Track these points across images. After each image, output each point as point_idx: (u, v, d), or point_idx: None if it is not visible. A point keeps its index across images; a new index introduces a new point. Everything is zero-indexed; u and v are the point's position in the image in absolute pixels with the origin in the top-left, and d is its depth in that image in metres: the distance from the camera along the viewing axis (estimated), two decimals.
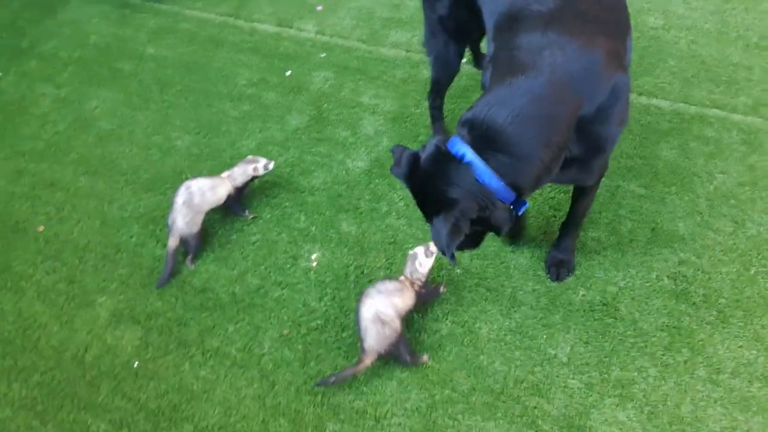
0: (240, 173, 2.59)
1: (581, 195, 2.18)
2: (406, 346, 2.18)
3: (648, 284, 2.30)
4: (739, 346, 2.15)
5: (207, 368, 2.31)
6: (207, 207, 2.53)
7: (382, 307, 2.14)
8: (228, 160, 2.83)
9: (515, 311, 2.30)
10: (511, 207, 1.82)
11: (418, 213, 2.53)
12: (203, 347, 2.36)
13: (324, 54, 3.15)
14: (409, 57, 3.07)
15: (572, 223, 2.27)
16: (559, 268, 2.33)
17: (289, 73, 3.10)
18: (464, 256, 2.44)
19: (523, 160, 1.72)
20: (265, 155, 2.81)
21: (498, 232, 1.87)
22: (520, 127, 1.70)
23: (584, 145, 1.81)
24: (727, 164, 2.55)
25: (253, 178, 2.61)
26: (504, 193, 1.75)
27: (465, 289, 2.36)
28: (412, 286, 2.22)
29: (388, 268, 2.44)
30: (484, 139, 1.72)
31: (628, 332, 2.21)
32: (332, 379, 2.19)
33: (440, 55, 2.42)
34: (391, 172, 1.88)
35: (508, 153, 1.71)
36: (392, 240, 2.51)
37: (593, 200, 2.22)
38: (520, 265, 2.40)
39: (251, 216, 2.65)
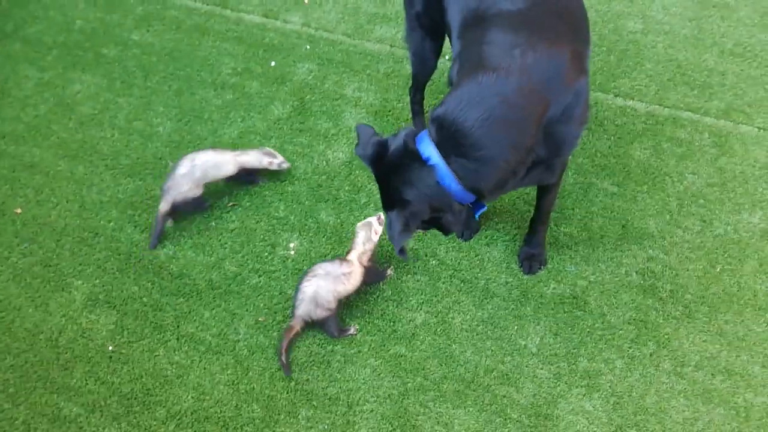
0: (254, 160, 2.62)
1: (545, 192, 2.23)
2: (336, 322, 2.28)
3: (617, 279, 2.36)
4: (704, 341, 2.21)
5: (181, 353, 2.33)
6: (206, 181, 2.57)
7: (323, 292, 2.23)
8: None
9: (488, 302, 2.34)
10: (470, 207, 1.88)
11: None
12: (178, 332, 2.38)
13: (309, 46, 3.17)
14: (393, 52, 3.10)
15: (539, 218, 2.32)
16: (531, 262, 2.38)
17: (273, 63, 3.12)
18: (440, 249, 2.48)
19: (488, 164, 1.75)
20: (246, 144, 2.84)
21: (445, 233, 1.94)
22: (489, 131, 1.72)
23: (549, 147, 1.85)
24: (697, 165, 2.62)
25: (263, 170, 2.65)
26: (463, 196, 1.80)
27: (440, 281, 2.40)
28: (361, 262, 2.29)
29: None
30: (452, 140, 1.75)
31: (597, 325, 2.27)
32: (282, 359, 2.24)
33: (417, 51, 2.46)
34: (355, 152, 1.93)
35: (474, 158, 1.75)
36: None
37: (557, 195, 2.27)
38: (494, 258, 2.45)
39: (231, 204, 2.67)
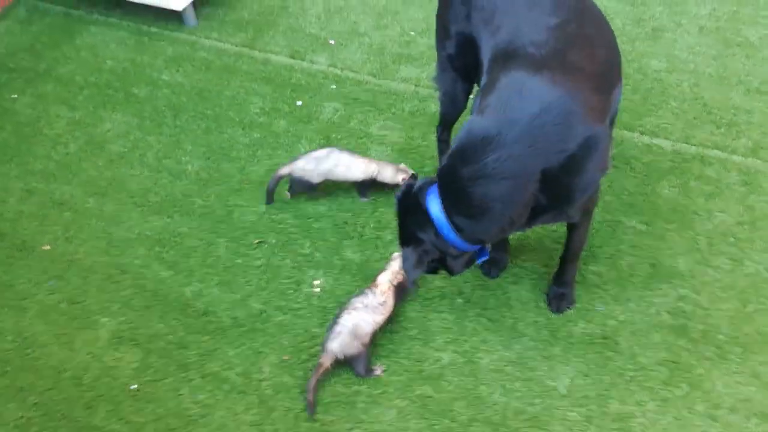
0: (389, 175, 2.70)
1: (573, 230, 2.22)
2: (366, 359, 2.26)
3: (647, 319, 2.32)
4: (737, 382, 2.15)
5: (205, 392, 2.31)
6: (329, 178, 2.68)
7: (364, 324, 2.24)
8: (236, 186, 2.88)
9: (516, 342, 2.31)
10: (475, 252, 2.05)
11: None
12: (203, 371, 2.36)
13: (335, 86, 3.23)
14: (417, 91, 3.14)
15: (567, 257, 2.30)
16: (559, 301, 2.35)
17: (300, 103, 3.17)
18: (466, 286, 2.46)
19: (484, 220, 1.88)
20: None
21: (450, 274, 2.11)
22: (485, 189, 1.82)
23: (553, 196, 1.87)
24: (726, 204, 2.59)
25: (393, 185, 2.71)
26: (463, 245, 1.95)
27: (466, 319, 2.38)
28: (392, 282, 2.33)
29: None
30: (452, 196, 1.90)
31: (628, 366, 2.22)
32: (309, 397, 2.22)
33: (448, 92, 2.49)
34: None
35: (470, 215, 1.88)
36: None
37: (587, 234, 2.25)
38: (521, 297, 2.42)
39: (257, 242, 2.69)
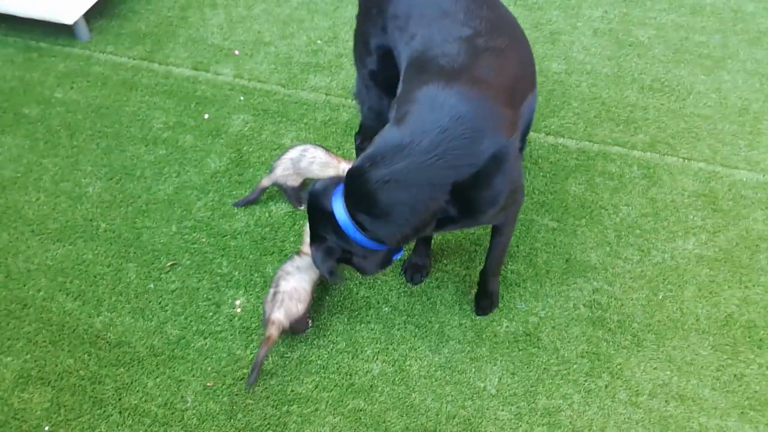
0: None
1: (495, 235, 2.26)
2: (306, 320, 2.33)
3: (566, 313, 2.40)
4: (654, 368, 2.26)
5: (125, 428, 2.18)
6: (307, 176, 2.62)
7: (302, 285, 2.28)
8: (143, 206, 2.74)
9: (443, 346, 2.32)
10: (389, 251, 2.05)
11: None
12: (120, 405, 2.23)
13: (243, 97, 3.14)
14: (329, 100, 3.11)
15: (490, 261, 2.34)
16: (485, 305, 2.39)
17: (206, 116, 3.06)
18: (392, 294, 2.45)
19: (388, 223, 1.88)
20: (183, 200, 2.75)
21: (361, 273, 2.12)
22: (390, 194, 1.83)
23: (462, 207, 1.90)
24: (630, 197, 2.72)
25: None
26: (368, 244, 1.95)
27: (394, 327, 2.37)
28: None
29: (315, 311, 2.41)
30: (357, 196, 1.90)
31: (552, 361, 2.28)
32: (253, 375, 2.21)
33: (373, 107, 2.46)
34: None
35: (375, 215, 1.88)
36: (318, 282, 2.49)
37: (509, 239, 2.28)
38: (446, 301, 2.44)
39: (170, 264, 2.56)
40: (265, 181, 2.66)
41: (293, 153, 2.62)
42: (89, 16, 3.51)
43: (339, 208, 1.92)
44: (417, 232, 1.93)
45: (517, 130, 1.93)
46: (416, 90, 1.88)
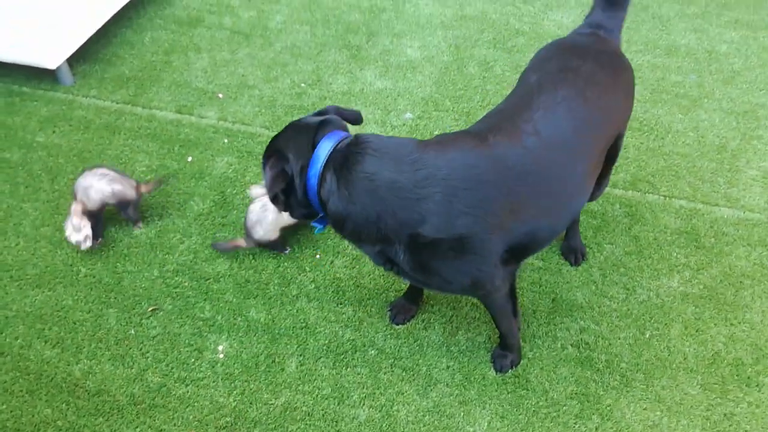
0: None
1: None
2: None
3: (554, 353, 2.37)
4: (644, 409, 2.23)
5: None
6: (282, 225, 2.60)
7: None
8: (124, 250, 2.70)
9: (431, 390, 2.28)
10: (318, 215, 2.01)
11: (329, 295, 2.52)
12: None
13: (227, 140, 3.14)
14: None
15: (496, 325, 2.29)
16: (501, 360, 2.32)
17: (190, 159, 3.05)
18: (378, 336, 2.42)
19: (342, 200, 1.83)
20: (166, 243, 2.72)
21: (285, 210, 2.02)
22: (364, 186, 1.80)
23: (415, 264, 1.88)
24: (613, 235, 2.74)
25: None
26: (313, 199, 1.90)
27: (381, 371, 2.33)
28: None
29: (300, 354, 2.37)
30: (343, 161, 1.83)
31: (541, 403, 2.25)
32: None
33: None
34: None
35: (338, 186, 1.83)
36: (303, 324, 2.46)
37: (493, 312, 2.20)
38: (433, 342, 2.41)
39: (151, 309, 2.51)
40: (241, 242, 2.64)
41: (253, 216, 2.57)
42: (72, 60, 3.52)
43: (324, 148, 1.86)
44: (353, 237, 1.91)
45: (504, 233, 1.87)
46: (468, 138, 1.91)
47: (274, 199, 1.96)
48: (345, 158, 1.84)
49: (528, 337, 2.41)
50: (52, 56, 3.32)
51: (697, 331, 2.43)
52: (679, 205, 2.84)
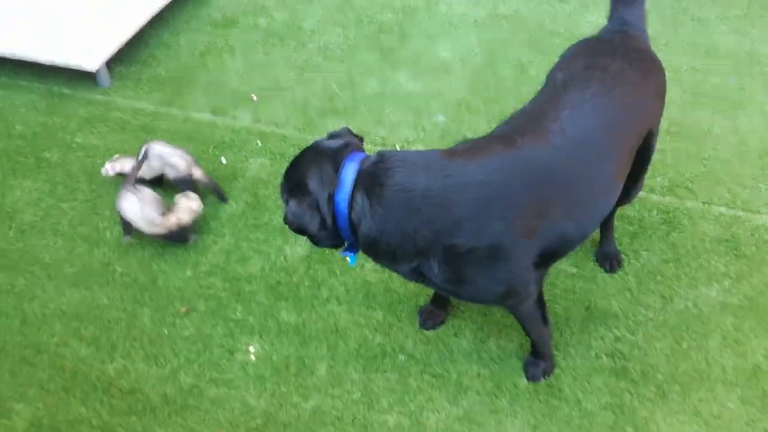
0: None
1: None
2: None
3: (588, 363, 2.33)
4: (681, 422, 2.18)
5: None
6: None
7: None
8: (159, 250, 2.74)
9: (462, 397, 2.26)
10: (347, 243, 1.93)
11: (359, 299, 2.52)
12: None
13: (260, 142, 3.16)
14: None
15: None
16: (534, 369, 2.28)
17: (224, 160, 3.08)
18: (408, 342, 2.41)
19: (377, 225, 1.78)
20: (199, 243, 2.76)
21: (315, 244, 1.96)
22: (403, 201, 1.76)
23: (450, 276, 1.85)
24: (650, 242, 2.68)
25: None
26: (344, 225, 1.82)
27: (410, 377, 2.32)
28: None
29: (331, 358, 2.37)
30: (375, 178, 1.78)
31: (573, 413, 2.21)
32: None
33: None
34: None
35: (373, 209, 1.77)
36: (334, 328, 2.46)
37: (524, 323, 2.17)
38: (464, 349, 2.39)
39: (185, 310, 2.54)
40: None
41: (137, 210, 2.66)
42: (110, 62, 3.58)
43: (350, 172, 1.80)
44: (387, 257, 1.86)
45: (535, 237, 1.85)
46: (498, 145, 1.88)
47: (299, 232, 1.90)
48: (374, 176, 1.79)
49: (561, 346, 2.38)
50: (92, 59, 3.39)
51: (736, 342, 2.36)
52: (718, 212, 2.77)
